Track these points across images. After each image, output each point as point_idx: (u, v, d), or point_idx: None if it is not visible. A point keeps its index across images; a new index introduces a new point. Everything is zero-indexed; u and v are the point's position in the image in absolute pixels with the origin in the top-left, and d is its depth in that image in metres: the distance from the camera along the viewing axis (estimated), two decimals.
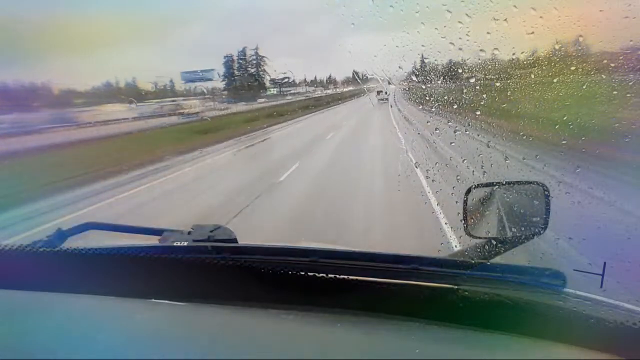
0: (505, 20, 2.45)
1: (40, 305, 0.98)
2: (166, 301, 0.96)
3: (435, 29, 2.45)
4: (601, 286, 1.05)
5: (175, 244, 1.22)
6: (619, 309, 0.82)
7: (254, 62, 47.51)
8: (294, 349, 0.81)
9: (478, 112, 2.76)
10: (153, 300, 0.97)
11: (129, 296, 0.97)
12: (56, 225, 1.25)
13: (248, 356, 0.78)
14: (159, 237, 1.29)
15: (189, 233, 1.28)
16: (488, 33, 2.47)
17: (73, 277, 1.01)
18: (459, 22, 2.43)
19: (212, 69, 41.30)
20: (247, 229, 5.78)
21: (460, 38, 2.43)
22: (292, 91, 55.33)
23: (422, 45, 2.76)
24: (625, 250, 2.88)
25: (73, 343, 0.83)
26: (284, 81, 53.70)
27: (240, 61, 46.99)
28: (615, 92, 3.53)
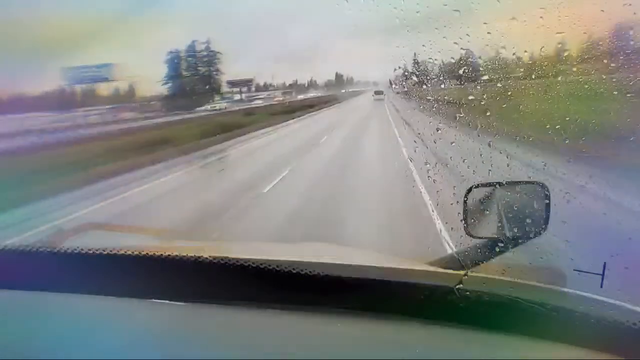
0: (506, 20, 2.45)
1: (40, 305, 0.98)
2: (166, 301, 0.96)
3: (436, 28, 2.45)
4: (601, 286, 1.05)
5: (174, 244, 1.22)
6: (619, 309, 0.82)
7: (205, 59, 36.16)
8: (294, 348, 0.81)
9: (488, 114, 2.76)
10: (153, 300, 0.97)
11: (129, 296, 0.97)
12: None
13: (248, 356, 0.79)
14: (159, 238, 1.29)
15: (190, 235, 1.28)
16: (488, 33, 2.47)
17: (73, 277, 1.01)
18: (460, 22, 2.43)
19: (108, 64, 29.19)
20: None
21: (460, 38, 2.43)
22: (260, 96, 44.56)
23: (423, 45, 2.76)
24: (625, 250, 2.88)
25: (73, 343, 0.84)
26: (247, 84, 42.73)
27: (189, 59, 35.64)
28: (615, 92, 3.53)
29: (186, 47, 35.89)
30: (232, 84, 41.45)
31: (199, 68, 36.12)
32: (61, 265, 1.04)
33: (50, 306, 0.99)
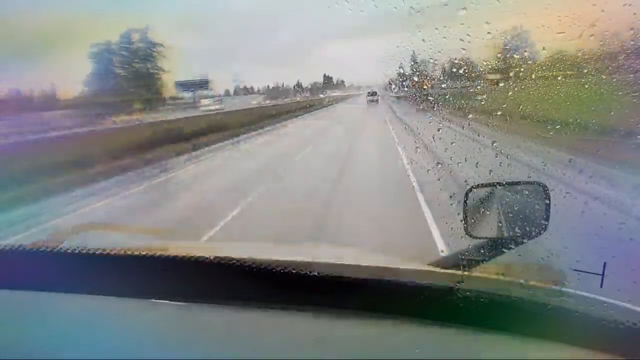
0: (506, 20, 2.45)
1: (40, 305, 0.98)
2: (166, 301, 0.96)
3: (436, 29, 2.45)
4: (601, 286, 1.05)
5: (174, 244, 1.22)
6: (619, 309, 0.82)
7: (141, 54, 25.75)
8: (294, 348, 0.81)
9: (499, 113, 2.76)
10: (153, 300, 0.97)
11: (129, 296, 0.97)
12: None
13: (248, 356, 0.79)
14: (159, 238, 1.29)
15: (190, 235, 1.28)
16: (489, 33, 2.48)
17: (73, 277, 1.01)
18: (460, 22, 2.43)
19: None
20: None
21: (461, 39, 2.44)
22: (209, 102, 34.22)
23: (423, 44, 2.76)
24: (625, 250, 2.88)
25: (73, 343, 0.84)
26: (201, 86, 33.10)
27: (123, 54, 25.22)
28: (616, 93, 3.53)
29: (119, 39, 25.73)
30: (183, 85, 32.16)
31: (135, 65, 25.97)
32: (61, 265, 1.04)
33: (50, 306, 0.99)
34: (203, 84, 32.86)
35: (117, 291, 0.97)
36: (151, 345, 0.84)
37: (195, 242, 3.54)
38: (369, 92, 36.03)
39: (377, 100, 34.17)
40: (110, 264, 1.03)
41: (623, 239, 3.18)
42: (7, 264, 1.06)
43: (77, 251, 1.04)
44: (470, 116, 2.93)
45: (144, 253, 1.01)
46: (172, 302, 0.96)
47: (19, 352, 0.80)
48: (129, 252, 1.02)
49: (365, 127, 19.92)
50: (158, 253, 1.00)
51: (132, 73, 25.21)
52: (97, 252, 1.04)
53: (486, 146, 2.67)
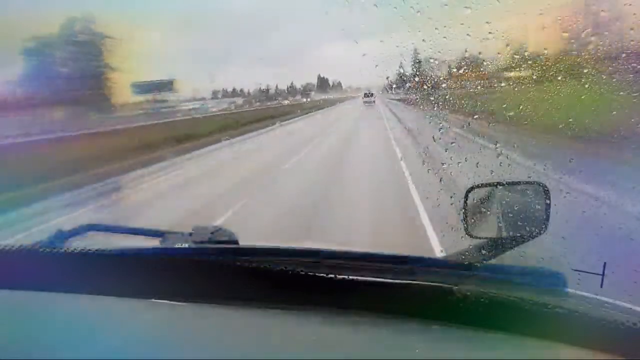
0: (507, 21, 2.45)
1: (40, 305, 0.98)
2: (166, 301, 0.96)
3: (436, 29, 2.45)
4: (601, 286, 1.05)
5: (176, 246, 1.22)
6: (619, 309, 0.82)
7: (86, 49, 20.91)
8: (294, 348, 0.81)
9: (503, 113, 2.76)
10: (153, 300, 0.97)
11: (129, 296, 0.97)
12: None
13: (248, 356, 0.78)
14: (159, 239, 1.29)
15: (190, 234, 1.28)
16: (490, 33, 2.48)
17: (73, 277, 1.01)
18: (461, 22, 2.43)
19: None
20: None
21: (463, 40, 2.44)
22: (186, 106, 29.83)
23: (423, 44, 2.76)
24: (625, 250, 2.88)
25: (73, 343, 0.84)
26: (164, 88, 27.70)
27: (71, 48, 20.50)
28: (616, 93, 3.53)
29: (60, 31, 20.60)
30: (140, 87, 26.66)
31: (80, 60, 21.10)
32: (61, 265, 1.04)
33: (50, 306, 0.99)
34: (165, 85, 27.09)
35: (117, 291, 0.97)
36: (151, 345, 0.84)
37: None
38: (365, 94, 36.27)
39: (373, 101, 34.43)
40: (110, 264, 1.03)
41: (623, 239, 3.18)
42: (7, 264, 1.06)
43: (77, 251, 1.04)
44: (470, 117, 2.94)
45: (144, 254, 1.02)
46: (172, 302, 0.96)
47: (19, 352, 0.80)
48: (129, 252, 1.02)
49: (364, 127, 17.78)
50: (158, 253, 1.00)
51: (75, 72, 20.03)
52: (97, 252, 1.04)
53: (486, 146, 2.67)
